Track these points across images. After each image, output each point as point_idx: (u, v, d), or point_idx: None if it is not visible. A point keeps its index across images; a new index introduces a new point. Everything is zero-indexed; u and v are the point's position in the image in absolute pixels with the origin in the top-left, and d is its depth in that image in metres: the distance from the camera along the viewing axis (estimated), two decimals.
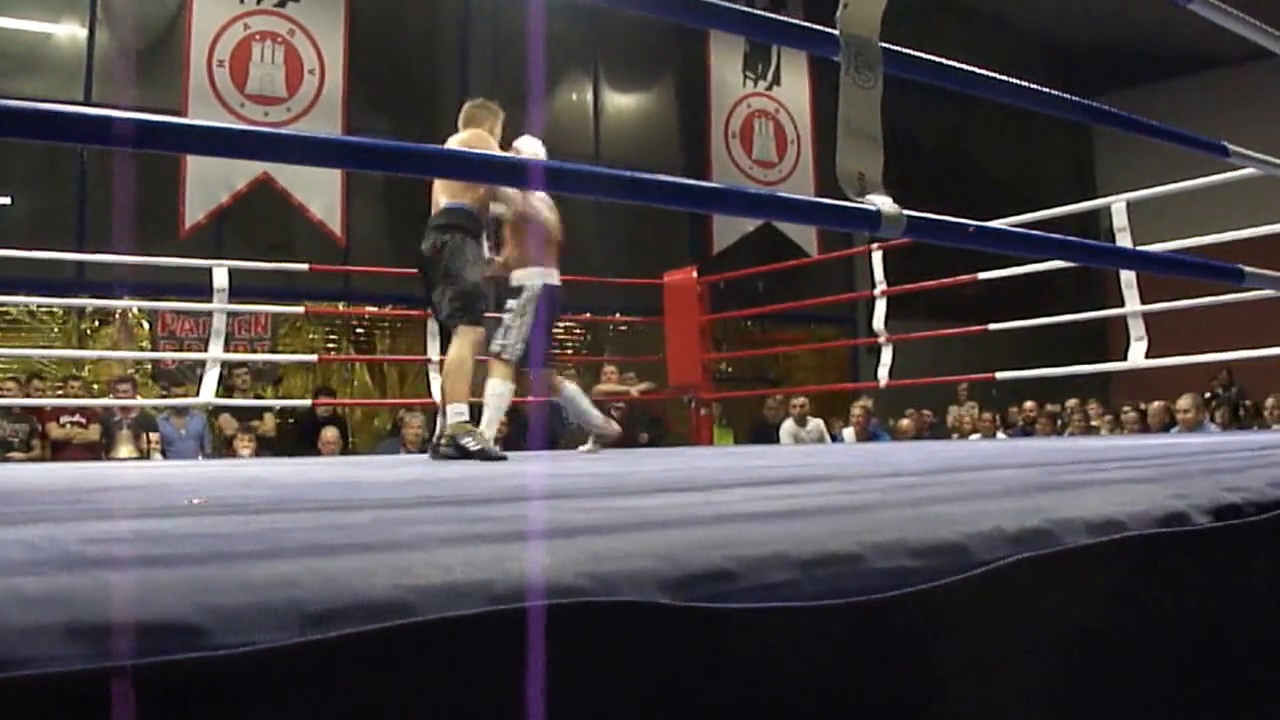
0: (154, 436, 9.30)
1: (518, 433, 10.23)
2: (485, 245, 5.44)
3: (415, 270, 5.49)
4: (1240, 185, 6.15)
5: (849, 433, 11.11)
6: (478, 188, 5.24)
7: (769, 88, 14.95)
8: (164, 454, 9.11)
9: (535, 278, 5.78)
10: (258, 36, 11.52)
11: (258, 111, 11.35)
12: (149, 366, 11.22)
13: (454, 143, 5.34)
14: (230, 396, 9.60)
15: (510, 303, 5.79)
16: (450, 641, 0.70)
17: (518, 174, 1.48)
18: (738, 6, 1.96)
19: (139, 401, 9.53)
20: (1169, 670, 1.23)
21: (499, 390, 5.62)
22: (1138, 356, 6.62)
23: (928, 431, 12.22)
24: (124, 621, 0.64)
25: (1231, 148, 3.09)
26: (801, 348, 14.06)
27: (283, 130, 1.43)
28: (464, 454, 4.93)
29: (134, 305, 10.36)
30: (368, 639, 0.67)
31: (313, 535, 1.19)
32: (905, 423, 12.04)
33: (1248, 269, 2.89)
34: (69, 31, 11.31)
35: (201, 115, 10.47)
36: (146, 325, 11.40)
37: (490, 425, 5.43)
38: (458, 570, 0.78)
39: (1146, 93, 15.77)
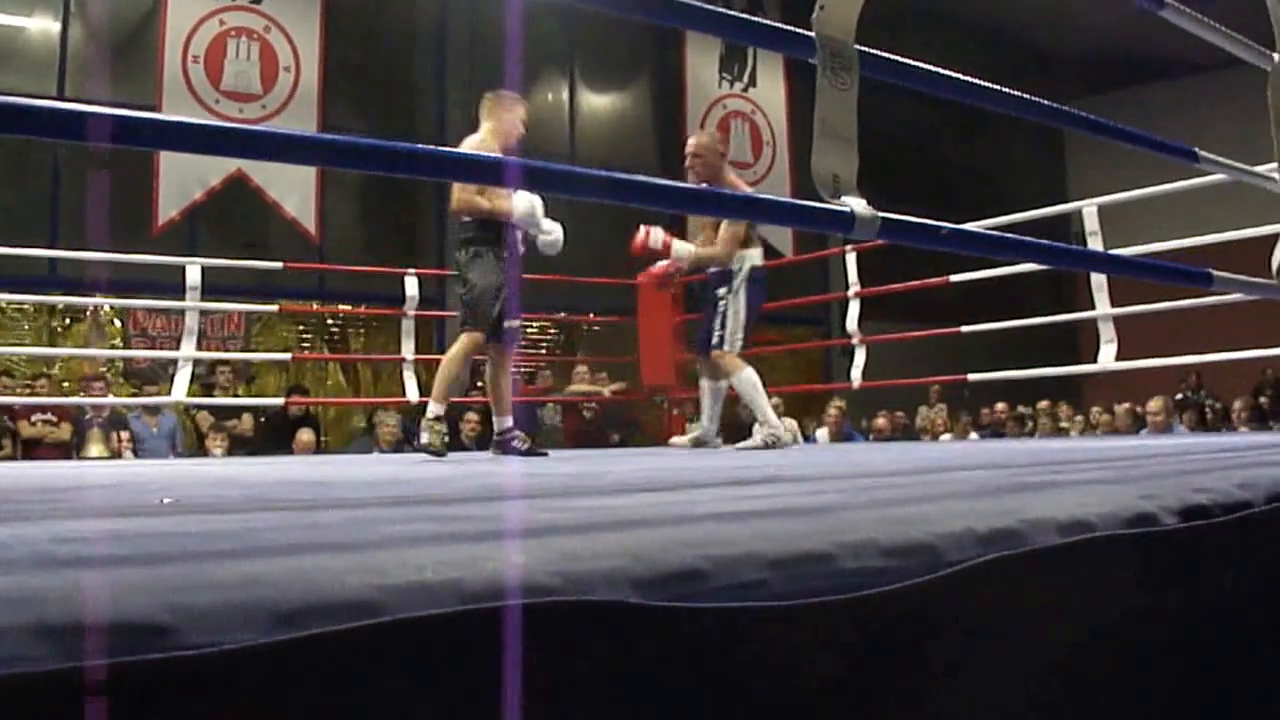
0: (125, 435, 9.23)
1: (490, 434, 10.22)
2: (514, 244, 5.28)
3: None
4: (1210, 191, 6.19)
5: (823, 433, 11.14)
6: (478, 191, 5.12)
7: (745, 89, 14.97)
8: (135, 453, 9.05)
9: (743, 260, 5.79)
10: (233, 32, 11.47)
11: (232, 108, 11.30)
12: (121, 365, 11.17)
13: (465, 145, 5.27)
14: (210, 394, 9.56)
15: (720, 290, 5.80)
16: (421, 641, 0.70)
17: (494, 173, 1.48)
18: (714, 8, 1.96)
19: (111, 400, 9.47)
20: (1138, 669, 1.24)
21: (748, 379, 5.68)
22: (1108, 359, 6.65)
23: (899, 432, 12.26)
24: (94, 621, 0.63)
25: (1201, 153, 3.11)
26: (775, 349, 14.06)
27: (258, 127, 1.43)
28: (425, 449, 5.02)
29: (106, 303, 10.30)
30: (338, 639, 0.67)
31: (284, 535, 1.18)
32: (880, 422, 12.07)
33: (1216, 273, 2.90)
34: (42, 26, 11.24)
35: (176, 111, 10.43)
36: (118, 323, 11.35)
37: (764, 415, 5.66)
38: (429, 570, 0.78)
39: (1120, 98, 15.86)
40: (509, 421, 5.26)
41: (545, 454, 5.31)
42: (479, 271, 5.12)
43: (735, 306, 5.77)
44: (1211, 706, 1.33)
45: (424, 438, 5.03)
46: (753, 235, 5.88)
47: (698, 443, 6.14)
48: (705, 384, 6.21)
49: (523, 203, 5.15)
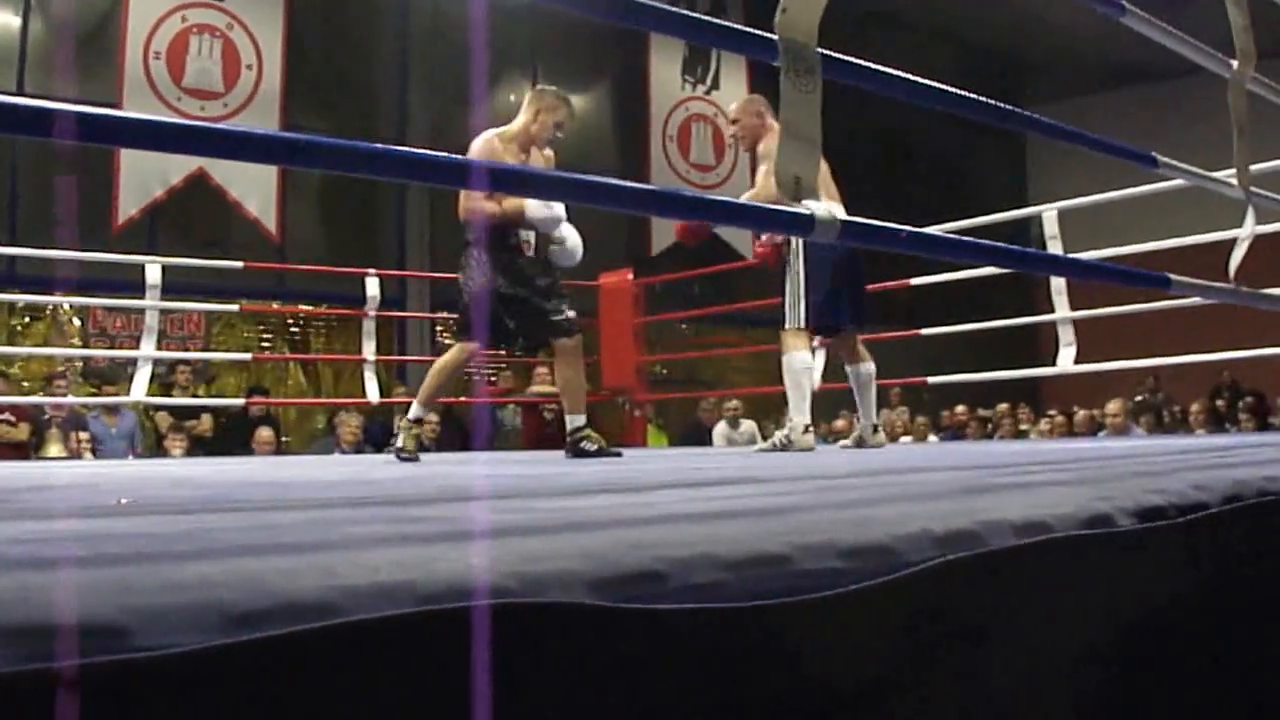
0: (84, 435, 9.17)
1: (451, 435, 10.21)
2: (519, 242, 4.98)
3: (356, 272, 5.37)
4: (1169, 196, 6.24)
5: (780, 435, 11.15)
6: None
7: (708, 91, 15.00)
8: (94, 453, 8.99)
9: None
10: (195, 29, 11.42)
11: (194, 105, 11.25)
12: (80, 364, 11.09)
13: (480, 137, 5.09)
14: (170, 394, 9.51)
15: (789, 257, 5.34)
16: (374, 643, 0.70)
17: (455, 174, 1.47)
18: (677, 10, 1.97)
19: (70, 400, 9.40)
20: (1093, 670, 1.24)
21: (790, 365, 5.27)
22: (1067, 362, 6.70)
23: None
24: (46, 623, 0.63)
25: (1160, 159, 3.14)
26: (736, 350, 14.10)
27: (220, 125, 1.43)
28: (396, 455, 4.87)
29: (65, 301, 10.23)
30: (292, 640, 0.67)
31: (240, 536, 1.18)
32: (840, 424, 12.11)
33: (1174, 277, 2.93)
34: (3, 20, 11.17)
35: (137, 108, 10.38)
36: (78, 322, 11.27)
37: (796, 409, 5.20)
38: (385, 571, 0.78)
39: (1081, 104, 15.96)
40: (581, 420, 5.02)
41: (618, 454, 5.09)
42: (468, 276, 4.95)
43: (794, 270, 5.29)
44: (1165, 705, 1.34)
45: (399, 440, 4.96)
46: (813, 183, 5.19)
47: (859, 442, 5.59)
48: (848, 370, 5.63)
49: (539, 206, 4.86)
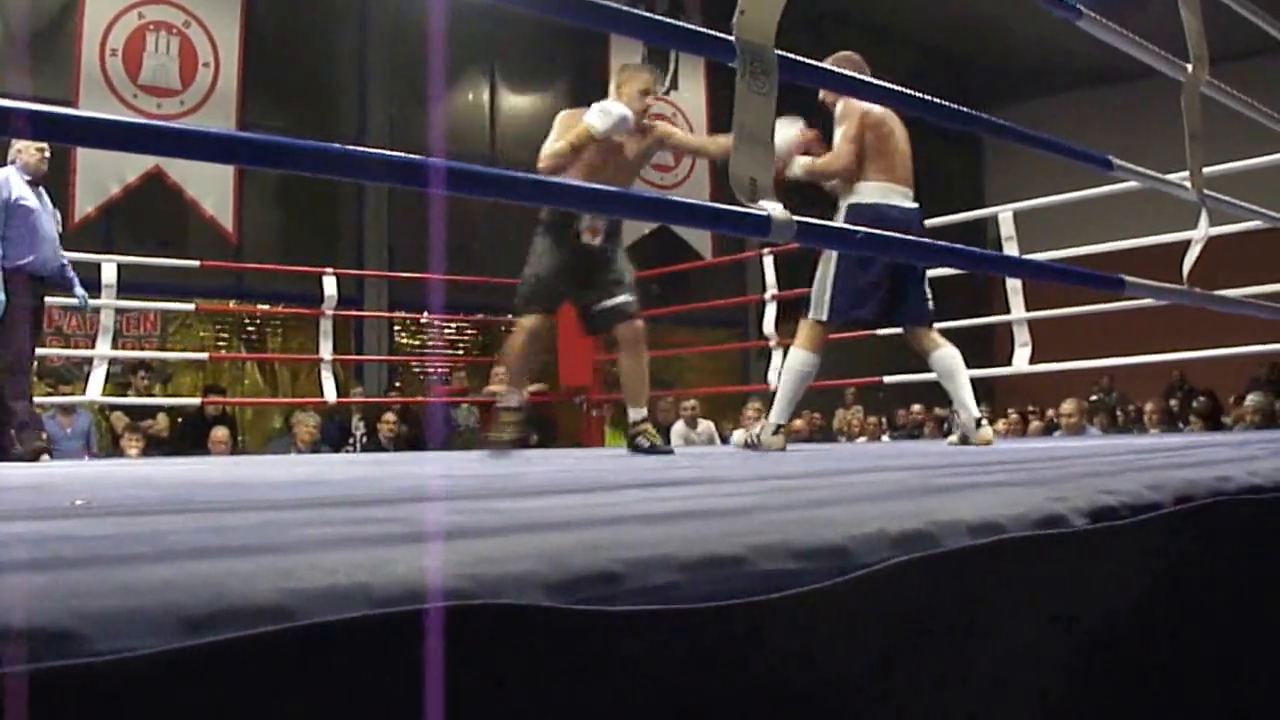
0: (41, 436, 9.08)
1: (411, 433, 10.19)
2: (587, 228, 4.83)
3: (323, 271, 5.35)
4: (1123, 198, 6.31)
5: (739, 434, 11.17)
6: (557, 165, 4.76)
7: (667, 92, 15.00)
8: (51, 454, 8.90)
9: (848, 195, 4.86)
10: (152, 26, 11.33)
11: (150, 103, 11.16)
12: (35, 364, 10.96)
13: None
14: (126, 394, 9.44)
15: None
16: (330, 646, 0.70)
17: (413, 174, 1.47)
18: (636, 11, 1.97)
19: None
20: (1045, 670, 1.26)
21: (789, 363, 4.97)
22: (1022, 362, 6.76)
23: (816, 433, 12.34)
24: None
25: (1115, 161, 3.17)
26: (693, 350, 14.11)
27: (177, 124, 1.42)
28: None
29: None
30: (246, 644, 0.67)
31: (195, 538, 1.17)
32: (797, 424, 12.14)
33: (1128, 278, 2.96)
34: None
35: (93, 105, 10.30)
36: None
37: (777, 412, 4.92)
38: (341, 574, 0.78)
39: (1037, 106, 16.08)
40: (642, 413, 4.92)
41: (670, 452, 5.03)
42: (531, 257, 4.87)
43: (825, 257, 4.93)
44: (1117, 705, 1.35)
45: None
46: (865, 163, 4.75)
47: (963, 440, 5.01)
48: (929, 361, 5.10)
49: (598, 115, 4.70)
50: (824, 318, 4.88)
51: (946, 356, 4.93)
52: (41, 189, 6.11)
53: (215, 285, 11.68)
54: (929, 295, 5.01)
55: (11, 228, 5.83)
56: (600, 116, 4.69)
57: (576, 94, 14.80)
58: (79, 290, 6.43)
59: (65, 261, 6.29)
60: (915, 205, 4.90)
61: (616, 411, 11.81)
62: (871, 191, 4.79)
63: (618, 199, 2.41)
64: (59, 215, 6.39)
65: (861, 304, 4.89)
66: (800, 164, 4.76)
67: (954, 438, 5.35)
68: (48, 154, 6.17)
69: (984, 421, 4.90)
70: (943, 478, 2.09)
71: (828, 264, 4.89)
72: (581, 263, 4.82)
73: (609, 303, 4.87)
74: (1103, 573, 1.35)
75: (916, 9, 15.96)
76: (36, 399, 9.63)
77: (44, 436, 9.07)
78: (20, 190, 5.91)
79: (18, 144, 6.06)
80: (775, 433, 4.89)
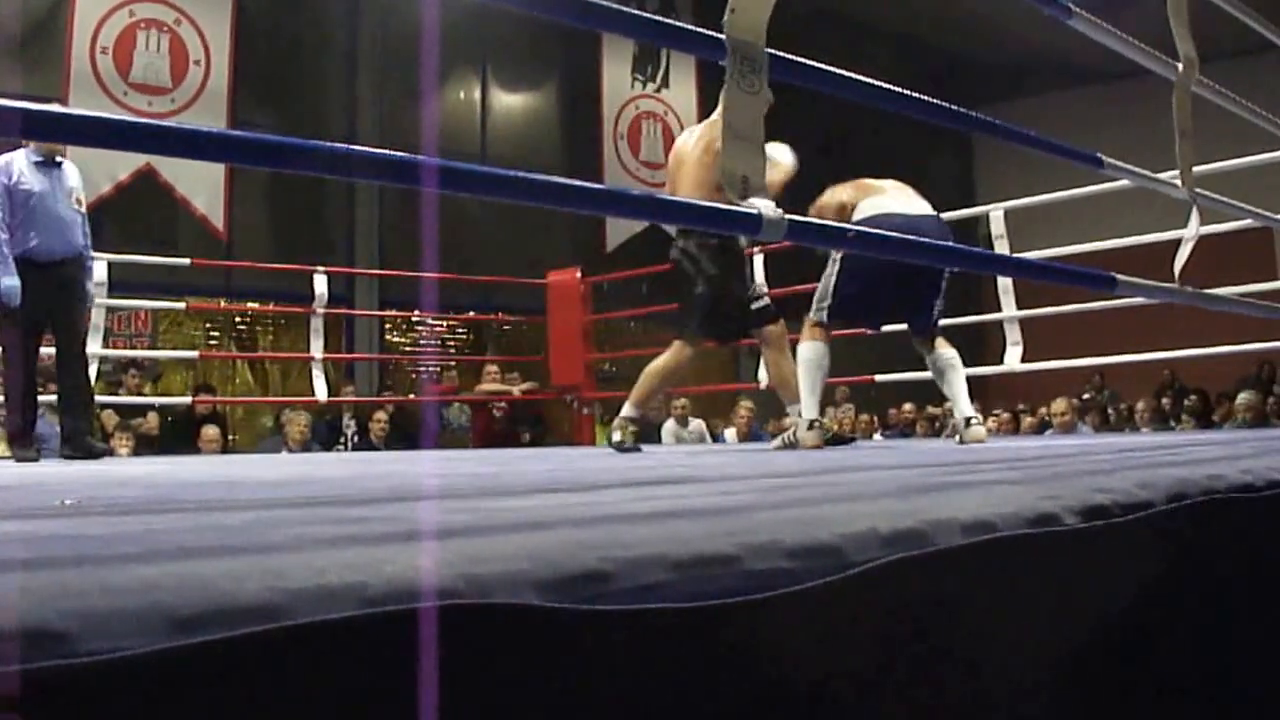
0: None
1: (400, 433, 10.17)
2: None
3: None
4: (1114, 196, 6.32)
5: (731, 433, 11.19)
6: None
7: (658, 90, 15.02)
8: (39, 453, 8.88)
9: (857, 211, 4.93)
10: (143, 24, 11.30)
11: (141, 101, 11.14)
12: None
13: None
14: (116, 393, 9.42)
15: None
16: (322, 646, 0.69)
17: (405, 172, 1.47)
18: (627, 9, 1.97)
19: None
20: (1039, 668, 1.25)
21: (800, 357, 4.98)
22: (1013, 361, 6.77)
23: None
24: None
25: (1106, 160, 3.17)
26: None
27: (168, 122, 1.41)
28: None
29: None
30: (235, 644, 0.66)
31: (185, 537, 1.17)
32: (788, 421, 12.14)
33: (1120, 277, 2.96)
34: None
35: (83, 103, 10.27)
36: None
37: (806, 406, 4.91)
38: (331, 573, 0.77)
39: (1028, 104, 16.10)
40: (799, 409, 4.95)
41: (853, 439, 5.22)
42: (720, 268, 4.92)
43: (829, 268, 5.03)
44: (1112, 704, 1.35)
45: (615, 435, 5.05)
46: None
47: (960, 438, 4.98)
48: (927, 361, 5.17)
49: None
50: (823, 320, 4.97)
51: (945, 357, 4.99)
52: (60, 168, 5.93)
53: (206, 283, 11.66)
54: (939, 306, 5.06)
55: (15, 213, 5.65)
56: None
57: (567, 92, 14.83)
58: (88, 283, 6.15)
59: (84, 246, 6.04)
60: (923, 213, 4.96)
61: (607, 409, 11.84)
62: (866, 208, 4.92)
63: (610, 198, 2.40)
64: (81, 194, 6.12)
65: (863, 314, 5.13)
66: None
67: (958, 436, 5.29)
68: None
69: (976, 420, 4.93)
70: (935, 476, 2.09)
71: (833, 266, 4.98)
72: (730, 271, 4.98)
73: (753, 306, 5.06)
74: (1095, 571, 1.35)
75: (906, 7, 15.98)
76: None
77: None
78: (23, 173, 5.69)
79: None
80: (810, 428, 4.88)
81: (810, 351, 4.93)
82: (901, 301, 5.02)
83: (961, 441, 4.92)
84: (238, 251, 11.58)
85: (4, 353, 5.73)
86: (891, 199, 4.94)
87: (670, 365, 5.02)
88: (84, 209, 6.11)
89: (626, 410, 5.04)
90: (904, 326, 5.20)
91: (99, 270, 7.02)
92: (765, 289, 5.15)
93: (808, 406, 4.91)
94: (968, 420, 4.90)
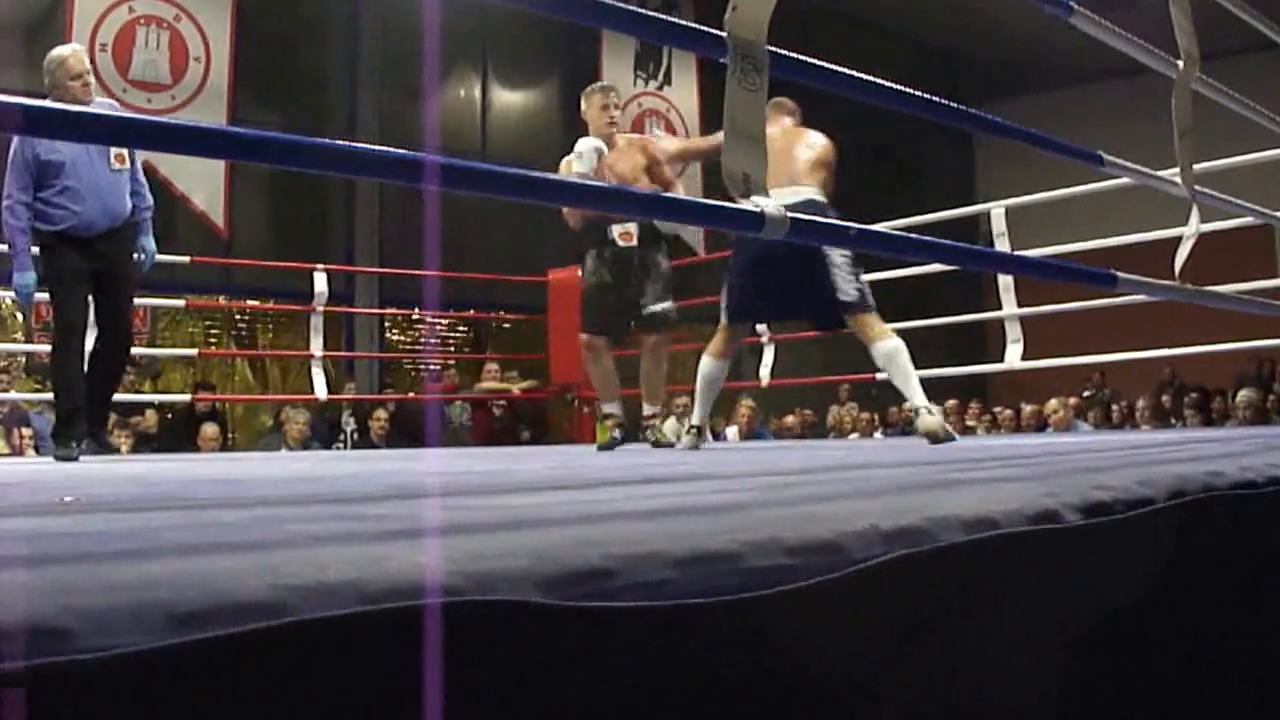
0: (27, 432, 9.07)
1: (400, 431, 10.18)
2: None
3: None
4: (1115, 194, 6.31)
5: (733, 431, 11.19)
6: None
7: (660, 87, 15.01)
8: (38, 450, 8.89)
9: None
10: (142, 21, 11.28)
11: (141, 98, 11.11)
12: (23, 360, 10.94)
13: None
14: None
15: None
16: (321, 642, 0.69)
17: (405, 169, 1.47)
18: (629, 7, 1.97)
19: (13, 396, 9.30)
20: (1039, 665, 1.25)
21: (700, 369, 5.19)
22: (1014, 358, 6.76)
23: (809, 431, 12.36)
24: None
25: (1106, 157, 3.17)
26: (685, 346, 14.11)
27: (167, 119, 1.41)
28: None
29: (7, 296, 10.10)
30: (236, 641, 0.66)
31: (186, 534, 1.17)
32: (790, 420, 12.15)
33: (1121, 274, 2.96)
34: None
35: None
36: (20, 317, 11.13)
37: (694, 414, 5.23)
38: (332, 570, 0.77)
39: (1029, 102, 16.09)
40: (698, 419, 5.30)
41: (672, 445, 5.49)
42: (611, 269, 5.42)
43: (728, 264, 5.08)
44: (1113, 702, 1.35)
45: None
46: (762, 180, 4.61)
47: (931, 435, 4.56)
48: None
49: (577, 160, 5.28)
50: (724, 320, 5.12)
51: (886, 347, 4.83)
52: None
53: (205, 281, 11.64)
54: (847, 288, 4.79)
55: (46, 188, 5.17)
56: (579, 161, 5.14)
57: (568, 90, 14.80)
58: (144, 242, 5.70)
59: (136, 206, 5.59)
60: (807, 198, 4.69)
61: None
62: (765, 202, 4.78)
63: (613, 196, 2.40)
64: (124, 152, 5.52)
65: (752, 302, 5.07)
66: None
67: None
68: (89, 80, 5.56)
69: (927, 409, 4.67)
70: (936, 473, 2.09)
71: (729, 270, 5.08)
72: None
73: (654, 308, 5.37)
74: (1096, 568, 1.35)
75: (908, 4, 15.96)
76: (25, 395, 9.66)
77: (29, 433, 9.07)
78: (47, 142, 5.13)
79: (55, 83, 5.48)
80: (689, 431, 5.21)
81: (704, 368, 5.17)
82: (788, 289, 4.86)
83: (951, 439, 4.66)
84: (237, 249, 11.57)
85: (55, 334, 5.41)
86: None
87: (586, 364, 5.48)
88: (128, 164, 5.58)
89: (605, 407, 5.40)
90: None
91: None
92: (671, 302, 5.50)
93: (695, 413, 5.23)
94: (917, 411, 4.66)
